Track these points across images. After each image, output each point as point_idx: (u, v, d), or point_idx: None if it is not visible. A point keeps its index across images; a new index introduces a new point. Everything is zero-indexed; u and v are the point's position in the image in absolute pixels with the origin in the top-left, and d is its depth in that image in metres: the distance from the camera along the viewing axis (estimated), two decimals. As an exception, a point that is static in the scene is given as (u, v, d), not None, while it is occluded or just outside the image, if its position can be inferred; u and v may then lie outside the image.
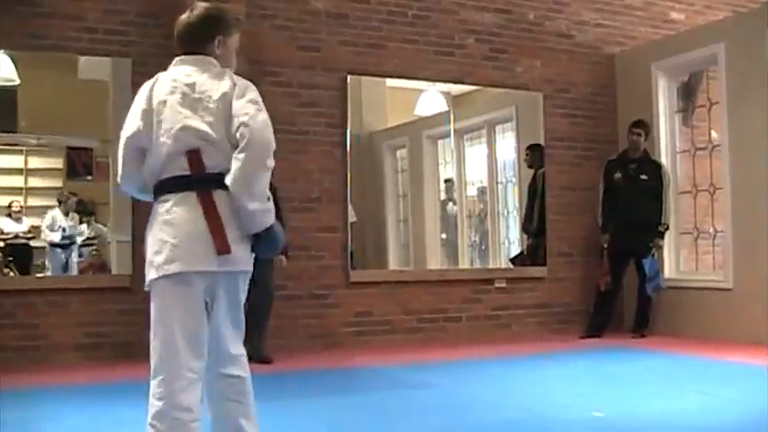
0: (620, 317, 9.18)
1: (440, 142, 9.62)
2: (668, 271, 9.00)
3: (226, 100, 3.10)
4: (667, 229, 8.77)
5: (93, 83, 8.17)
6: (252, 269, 3.20)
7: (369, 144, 9.18)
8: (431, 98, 9.42)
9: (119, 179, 3.30)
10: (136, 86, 7.85)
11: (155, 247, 3.06)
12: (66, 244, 8.00)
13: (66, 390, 5.85)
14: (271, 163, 3.09)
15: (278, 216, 3.75)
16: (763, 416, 4.66)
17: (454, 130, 9.48)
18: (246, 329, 3.29)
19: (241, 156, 3.01)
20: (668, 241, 8.98)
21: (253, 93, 3.15)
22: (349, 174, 8.40)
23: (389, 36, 8.70)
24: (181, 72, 3.21)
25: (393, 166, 9.53)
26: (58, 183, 8.17)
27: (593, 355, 7.55)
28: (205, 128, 3.08)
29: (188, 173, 3.07)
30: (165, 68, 7.71)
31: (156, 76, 3.29)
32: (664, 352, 7.57)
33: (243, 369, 3.18)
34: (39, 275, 7.92)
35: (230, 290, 3.13)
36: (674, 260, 9.13)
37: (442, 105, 9.48)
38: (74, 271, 8.07)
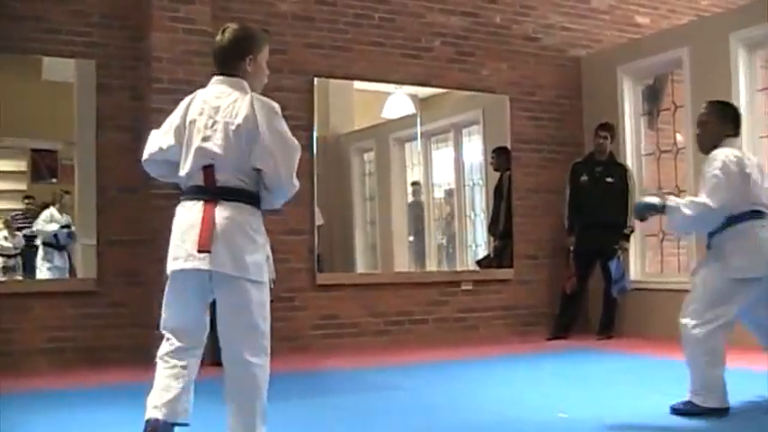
0: (586, 319, 9.23)
1: (407, 145, 9.62)
2: (634, 273, 9.06)
3: (245, 126, 3.48)
4: (633, 231, 8.81)
5: (57, 84, 8.08)
6: (264, 280, 3.56)
7: (336, 147, 9.16)
8: (398, 101, 9.41)
9: (143, 161, 3.81)
10: (100, 88, 7.85)
11: (170, 246, 3.58)
12: (63, 245, 7.84)
13: (31, 395, 5.77)
14: (294, 184, 3.60)
15: None
16: (728, 416, 4.70)
17: (421, 133, 9.49)
18: None
19: (267, 198, 3.61)
20: (634, 243, 9.04)
21: (276, 120, 3.55)
22: (316, 176, 8.37)
23: (356, 39, 8.69)
24: (212, 93, 3.61)
25: (360, 168, 9.52)
26: (22, 185, 8.06)
27: (560, 357, 7.58)
28: (217, 150, 3.50)
29: (202, 184, 3.53)
30: (129, 70, 7.72)
31: (194, 93, 3.67)
32: (629, 353, 7.61)
33: (251, 378, 3.51)
34: (0, 279, 7.80)
35: (232, 293, 3.50)
36: (640, 262, 9.19)
37: (409, 108, 9.48)
38: (65, 273, 7.88)
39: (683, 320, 4.89)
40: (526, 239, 9.45)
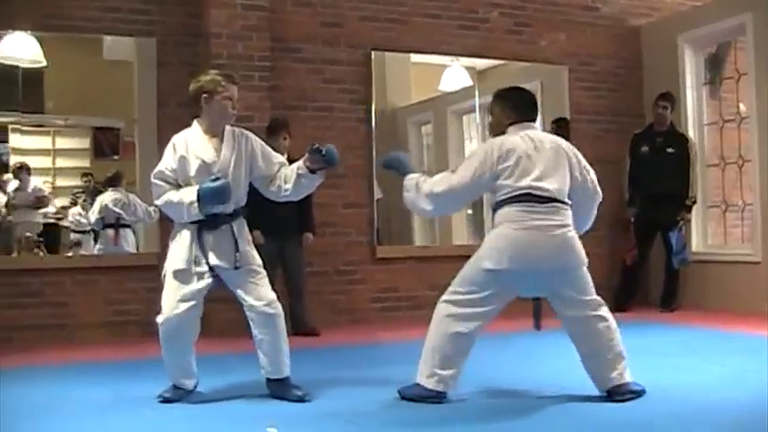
0: (647, 291, 9.15)
1: (465, 117, 9.60)
2: (696, 244, 8.96)
3: None
4: (695, 202, 8.72)
5: (118, 63, 8.21)
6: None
7: (393, 120, 9.18)
8: (455, 73, 9.39)
9: None
10: (161, 66, 7.90)
11: None
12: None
13: (93, 367, 5.92)
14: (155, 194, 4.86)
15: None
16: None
17: (479, 105, 9.44)
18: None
19: None
20: (696, 215, 8.93)
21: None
22: (374, 150, 8.41)
23: (412, 11, 8.68)
24: None
25: (418, 141, 9.52)
26: (85, 163, 8.24)
27: (619, 329, 7.51)
28: None
29: None
30: (188, 47, 7.84)
31: None
32: (690, 325, 7.54)
33: None
34: (68, 255, 8.00)
35: None
36: (702, 234, 9.08)
37: (466, 80, 9.44)
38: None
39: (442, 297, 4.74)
40: (586, 211, 9.36)
